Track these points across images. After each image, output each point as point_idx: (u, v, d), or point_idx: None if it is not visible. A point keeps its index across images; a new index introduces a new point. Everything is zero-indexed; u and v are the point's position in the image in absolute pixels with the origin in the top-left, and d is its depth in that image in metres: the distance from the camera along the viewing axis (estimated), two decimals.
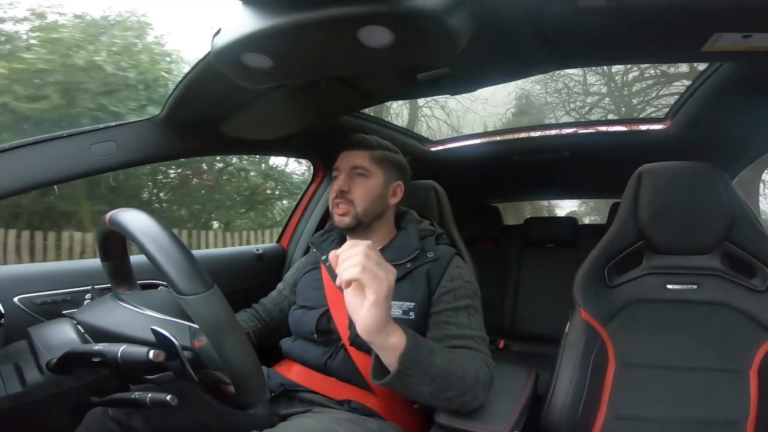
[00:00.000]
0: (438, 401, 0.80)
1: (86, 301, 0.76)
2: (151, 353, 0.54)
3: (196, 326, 0.60)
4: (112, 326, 0.62)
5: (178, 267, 0.56)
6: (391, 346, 0.71)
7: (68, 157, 0.94)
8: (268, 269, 1.61)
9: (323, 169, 1.75)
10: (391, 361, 0.72)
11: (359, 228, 1.01)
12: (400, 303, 0.94)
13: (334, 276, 1.02)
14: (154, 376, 0.60)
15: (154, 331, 0.56)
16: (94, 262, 1.09)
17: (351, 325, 0.94)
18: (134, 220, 0.60)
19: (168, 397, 0.58)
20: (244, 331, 0.60)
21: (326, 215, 1.73)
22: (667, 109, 1.54)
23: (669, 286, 1.04)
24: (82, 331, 0.65)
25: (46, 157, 0.91)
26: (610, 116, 7.54)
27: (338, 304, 0.98)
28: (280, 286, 1.18)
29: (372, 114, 1.62)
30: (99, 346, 0.57)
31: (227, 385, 0.63)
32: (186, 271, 0.56)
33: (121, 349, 0.55)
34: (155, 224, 0.59)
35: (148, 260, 0.57)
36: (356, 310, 0.68)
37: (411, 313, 0.93)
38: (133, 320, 0.63)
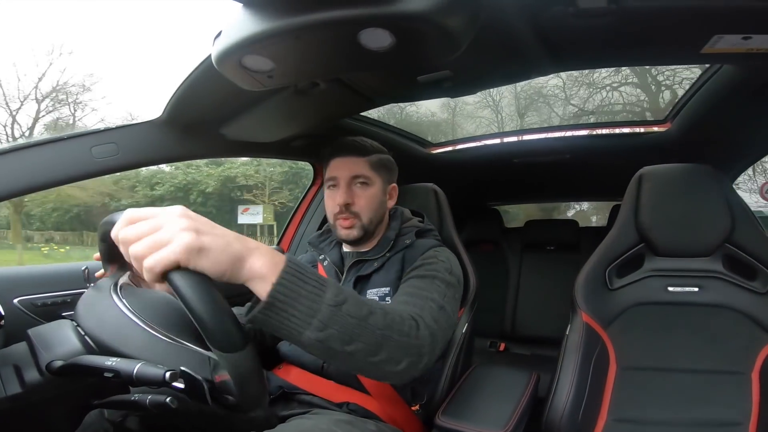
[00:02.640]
0: (340, 357, 0.60)
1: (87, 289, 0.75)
2: (168, 374, 0.54)
3: (215, 358, 0.60)
4: (117, 345, 0.62)
5: None
6: (258, 273, 0.53)
7: (69, 159, 0.94)
8: None
9: (323, 171, 1.75)
10: (262, 293, 0.53)
11: (365, 238, 1.00)
12: (376, 290, 0.95)
13: (330, 275, 1.02)
14: (168, 398, 0.60)
15: (184, 373, 0.56)
16: (94, 264, 1.09)
17: None
18: None
19: (167, 399, 0.58)
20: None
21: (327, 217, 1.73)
22: (668, 111, 1.55)
23: (670, 289, 1.04)
24: (83, 333, 0.65)
25: (47, 158, 0.91)
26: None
27: None
28: None
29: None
30: (112, 362, 0.56)
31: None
32: None
33: (136, 367, 0.55)
34: None
35: None
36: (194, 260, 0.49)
37: (387, 298, 0.94)
38: (144, 343, 0.62)
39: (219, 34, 0.63)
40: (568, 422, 0.93)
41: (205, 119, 1.07)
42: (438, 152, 1.98)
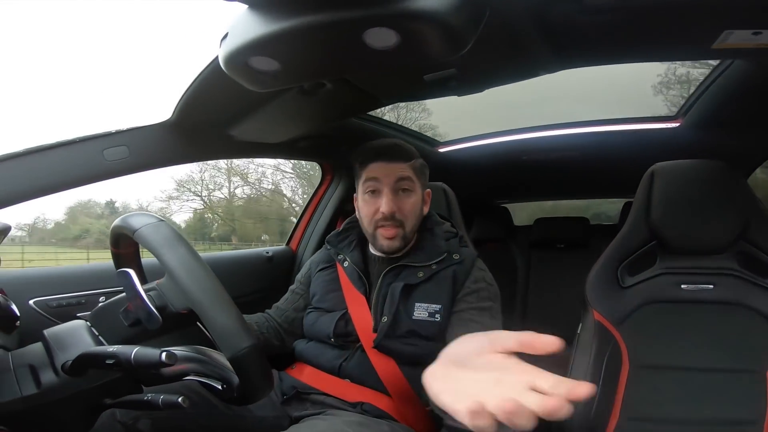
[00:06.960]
0: None
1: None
2: (164, 355, 0.55)
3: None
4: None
5: None
6: None
7: (81, 162, 0.95)
8: (277, 272, 1.62)
9: (331, 171, 1.75)
10: None
11: (404, 247, 0.99)
12: (427, 305, 0.93)
13: (353, 277, 1.01)
14: (180, 398, 0.61)
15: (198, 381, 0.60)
16: (107, 266, 1.11)
17: (377, 327, 0.93)
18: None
19: (179, 399, 0.59)
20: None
21: (336, 216, 1.73)
22: (678, 108, 1.53)
23: (684, 286, 1.03)
24: (96, 333, 0.66)
25: (59, 162, 0.92)
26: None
27: (356, 306, 0.98)
28: (292, 287, 1.15)
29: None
30: (112, 348, 0.58)
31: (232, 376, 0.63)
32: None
33: (134, 351, 0.56)
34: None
35: None
36: None
37: (437, 316, 0.93)
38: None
39: (225, 35, 0.63)
40: (580, 421, 0.92)
41: (213, 120, 1.07)
42: (446, 150, 1.97)
